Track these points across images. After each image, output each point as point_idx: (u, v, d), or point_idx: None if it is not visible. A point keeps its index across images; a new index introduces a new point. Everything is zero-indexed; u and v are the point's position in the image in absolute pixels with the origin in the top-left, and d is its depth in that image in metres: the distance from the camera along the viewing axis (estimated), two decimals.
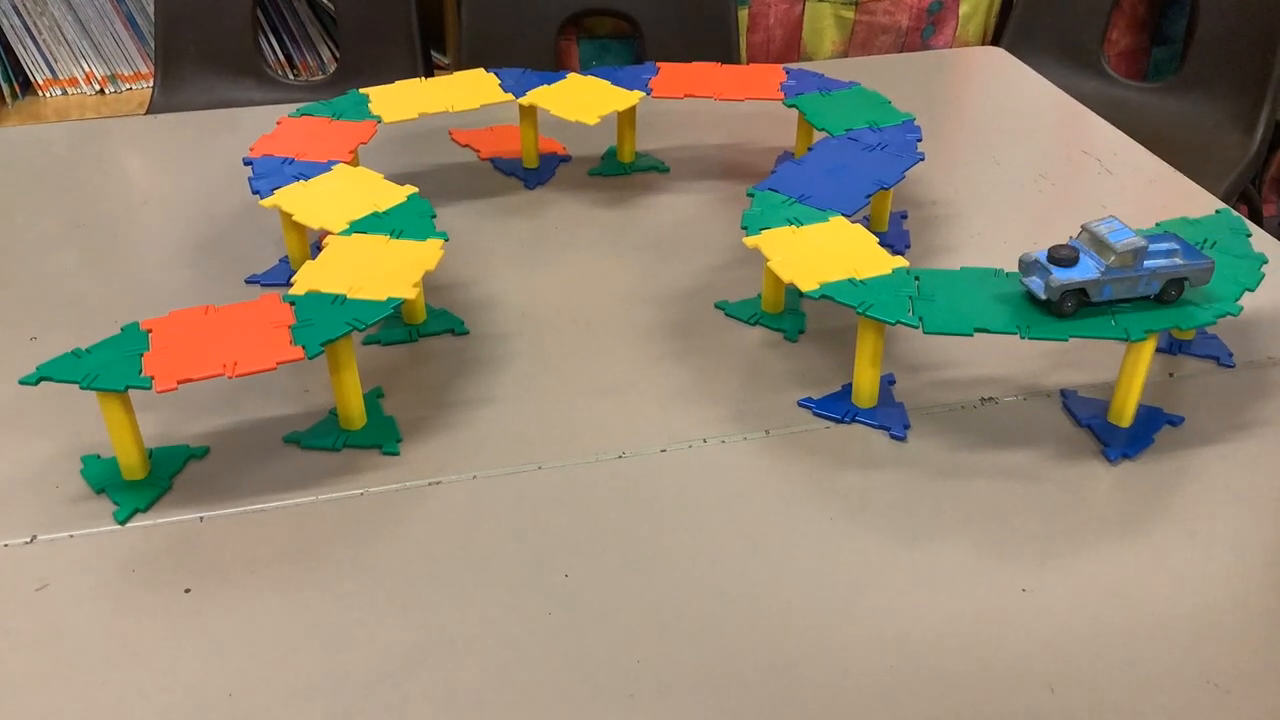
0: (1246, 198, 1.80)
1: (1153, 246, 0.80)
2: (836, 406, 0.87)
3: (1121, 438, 0.83)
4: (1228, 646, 0.68)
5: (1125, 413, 0.84)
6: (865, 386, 0.86)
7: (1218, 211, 0.95)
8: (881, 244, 0.90)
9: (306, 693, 0.65)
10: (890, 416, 0.86)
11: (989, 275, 0.85)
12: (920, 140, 1.07)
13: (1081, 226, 0.82)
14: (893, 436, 0.84)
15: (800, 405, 0.87)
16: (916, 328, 0.80)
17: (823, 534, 0.76)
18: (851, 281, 0.84)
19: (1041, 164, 1.25)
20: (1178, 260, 0.80)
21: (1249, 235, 0.91)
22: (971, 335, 0.80)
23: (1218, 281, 0.84)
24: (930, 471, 0.81)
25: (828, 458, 0.83)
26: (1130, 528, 0.77)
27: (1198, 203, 1.15)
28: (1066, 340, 0.79)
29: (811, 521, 0.77)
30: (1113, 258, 0.79)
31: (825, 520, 0.77)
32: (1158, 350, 0.90)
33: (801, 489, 0.80)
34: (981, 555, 0.74)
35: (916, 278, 0.85)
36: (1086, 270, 0.80)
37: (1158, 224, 0.92)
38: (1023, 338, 0.79)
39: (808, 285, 0.84)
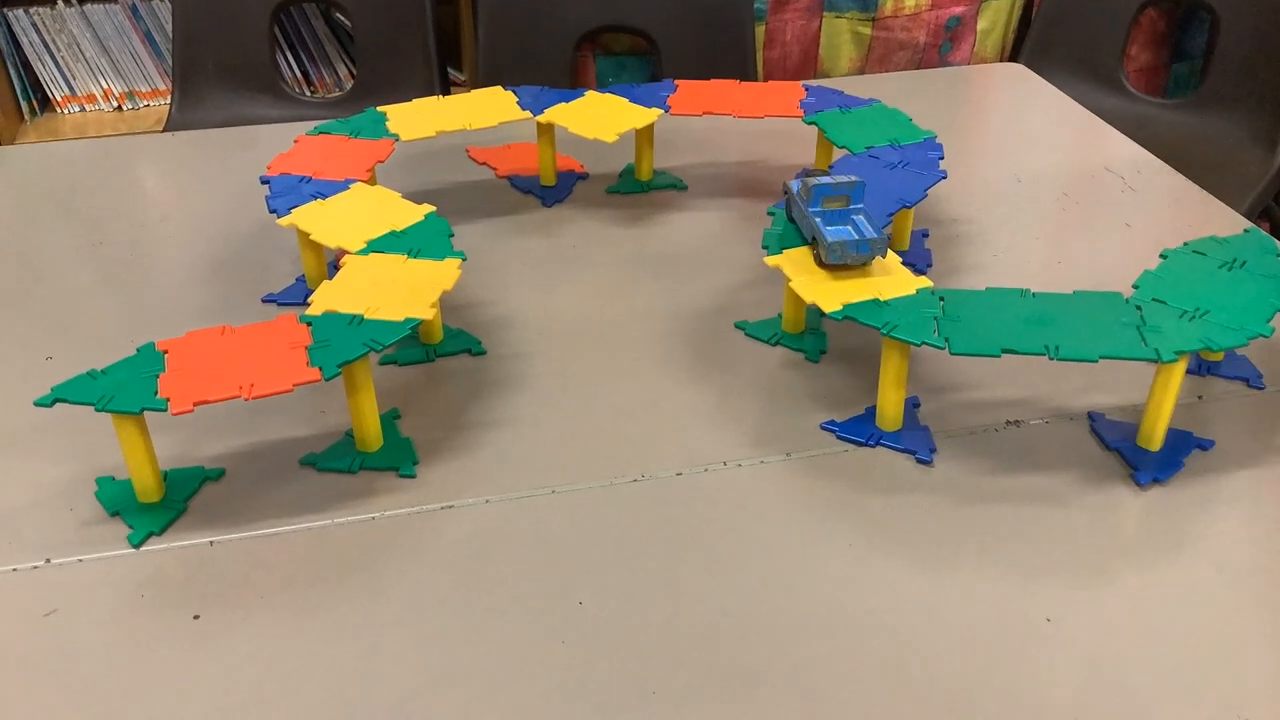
0: (1268, 215, 1.78)
1: (833, 213, 0.89)
2: (860, 429, 0.85)
3: (1151, 462, 0.82)
4: (1258, 679, 0.66)
5: (1155, 436, 0.82)
6: (890, 409, 0.84)
7: (1247, 230, 0.94)
8: (904, 263, 0.89)
9: None
10: (915, 440, 0.84)
11: (1015, 295, 0.84)
12: (942, 158, 1.06)
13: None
14: (919, 460, 0.83)
15: (823, 428, 0.86)
16: (942, 349, 0.78)
17: (844, 560, 0.75)
18: (875, 302, 0.83)
19: (1064, 181, 1.23)
20: (822, 224, 0.88)
21: (1279, 255, 0.90)
22: (999, 356, 0.78)
23: (1248, 301, 0.83)
24: (955, 496, 0.80)
25: (850, 482, 0.81)
26: (1159, 556, 0.75)
27: (1223, 221, 1.14)
28: (1095, 361, 0.78)
29: (833, 547, 0.76)
30: (799, 189, 0.92)
31: (846, 546, 0.76)
32: (1186, 372, 0.89)
33: (823, 514, 0.79)
34: (1006, 583, 0.73)
35: (941, 298, 0.83)
36: (796, 189, 0.93)
37: (1185, 244, 0.91)
38: (1051, 359, 0.78)
39: (830, 306, 0.83)
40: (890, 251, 0.90)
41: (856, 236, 0.86)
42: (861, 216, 0.89)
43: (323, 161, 1.07)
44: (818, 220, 0.88)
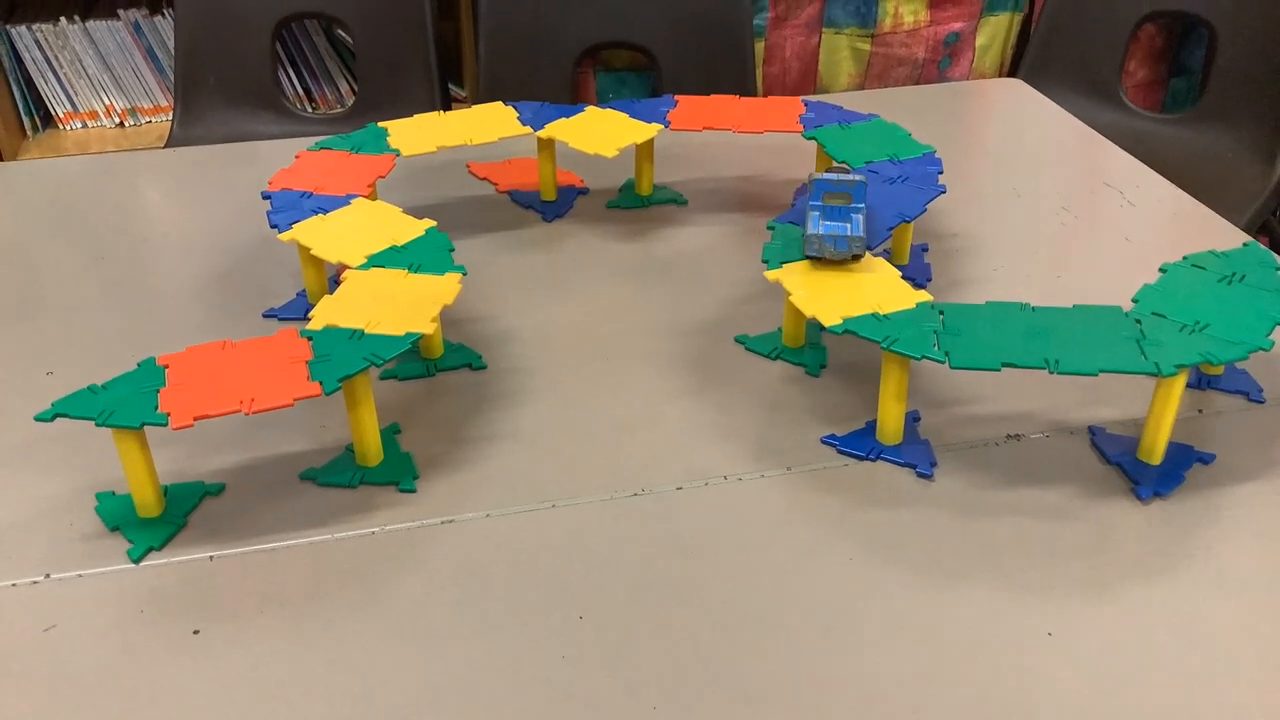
0: (1267, 230, 1.78)
1: (832, 209, 0.90)
2: (861, 444, 0.85)
3: (1152, 475, 0.82)
4: (1258, 693, 0.66)
5: (1156, 450, 0.82)
6: (890, 423, 0.84)
7: (1246, 245, 0.94)
8: (903, 277, 0.89)
9: None
10: (916, 454, 0.84)
11: (1015, 309, 0.84)
12: (941, 173, 1.06)
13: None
14: (919, 474, 0.83)
15: (824, 442, 0.86)
16: (943, 363, 0.78)
17: (844, 575, 0.75)
18: (875, 316, 0.83)
19: (1063, 196, 1.24)
20: (817, 218, 0.90)
21: (1278, 269, 0.90)
22: (999, 370, 0.78)
23: (1247, 315, 0.83)
24: (955, 510, 0.80)
25: (850, 496, 0.81)
26: (1161, 569, 0.75)
27: (1222, 236, 1.14)
28: (1095, 375, 0.78)
29: (833, 562, 0.76)
30: (811, 180, 0.92)
31: (846, 560, 0.76)
32: (1186, 385, 0.89)
33: (823, 528, 0.78)
34: (1006, 597, 0.73)
35: (941, 312, 0.83)
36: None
37: (1185, 258, 0.91)
38: (1051, 372, 0.78)
39: (830, 320, 0.83)
40: (890, 265, 0.90)
41: (841, 234, 0.88)
42: (861, 216, 0.90)
43: (324, 177, 1.07)
44: (813, 214, 0.90)
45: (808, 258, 0.90)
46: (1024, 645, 0.69)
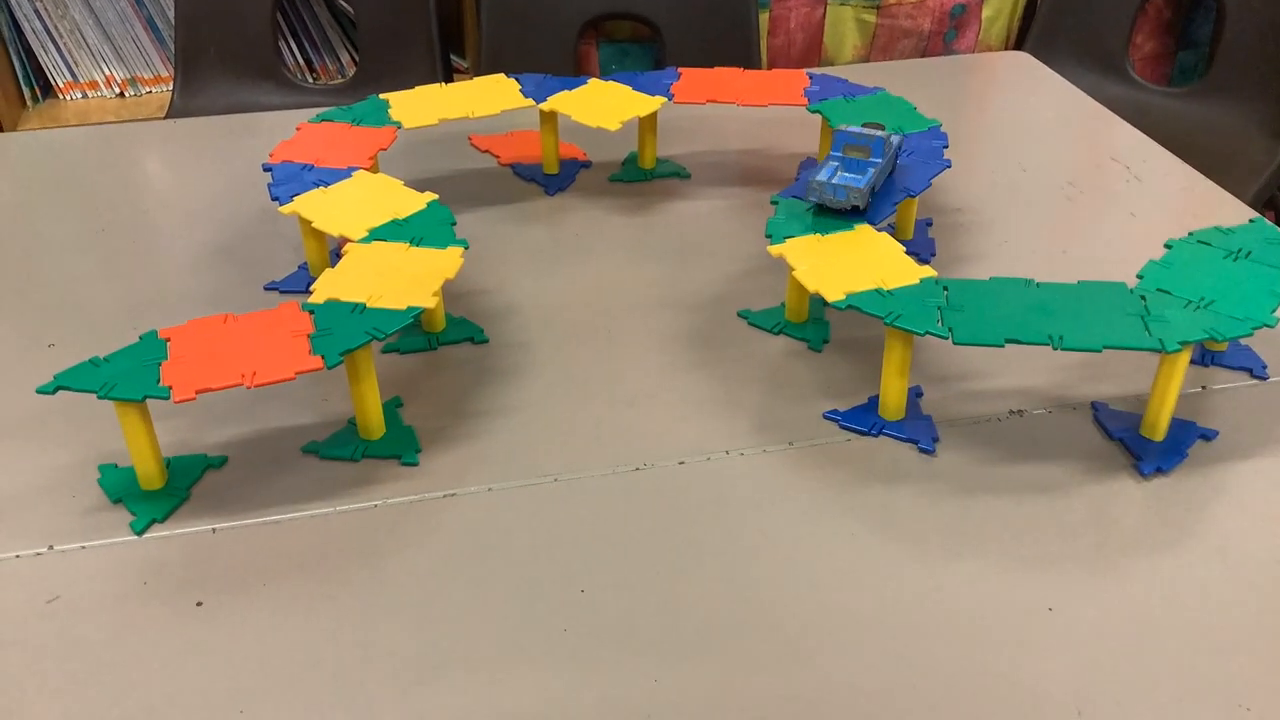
0: (1273, 204, 1.78)
1: (851, 161, 0.93)
2: (863, 419, 0.85)
3: (1154, 452, 0.82)
4: (1259, 669, 0.66)
5: (1159, 426, 0.82)
6: (893, 399, 0.84)
7: (1252, 220, 0.94)
8: (907, 252, 0.89)
9: (318, 709, 0.64)
10: (918, 429, 0.84)
11: (1019, 285, 0.83)
12: (946, 147, 1.06)
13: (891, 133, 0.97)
14: (921, 450, 0.83)
15: (826, 418, 0.86)
16: (946, 339, 0.78)
17: (846, 550, 0.75)
18: (879, 291, 0.83)
19: (1068, 171, 1.23)
20: (833, 168, 0.92)
21: None
22: (1003, 346, 0.78)
23: (1253, 291, 0.82)
24: (957, 486, 0.80)
25: (852, 471, 0.81)
26: (1161, 545, 0.75)
27: (1228, 211, 1.14)
28: (1099, 351, 0.77)
29: (834, 537, 0.76)
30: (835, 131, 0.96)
31: (848, 535, 0.76)
32: (1190, 361, 0.89)
33: (825, 503, 0.79)
34: (1008, 572, 0.73)
35: (945, 288, 0.83)
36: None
37: (1190, 234, 0.90)
38: (1055, 349, 0.77)
39: (834, 295, 0.83)
40: (894, 241, 0.90)
41: (844, 184, 0.89)
42: (874, 170, 0.91)
43: (325, 149, 1.07)
44: (830, 164, 0.91)
45: (810, 203, 0.92)
46: (1025, 620, 0.69)
